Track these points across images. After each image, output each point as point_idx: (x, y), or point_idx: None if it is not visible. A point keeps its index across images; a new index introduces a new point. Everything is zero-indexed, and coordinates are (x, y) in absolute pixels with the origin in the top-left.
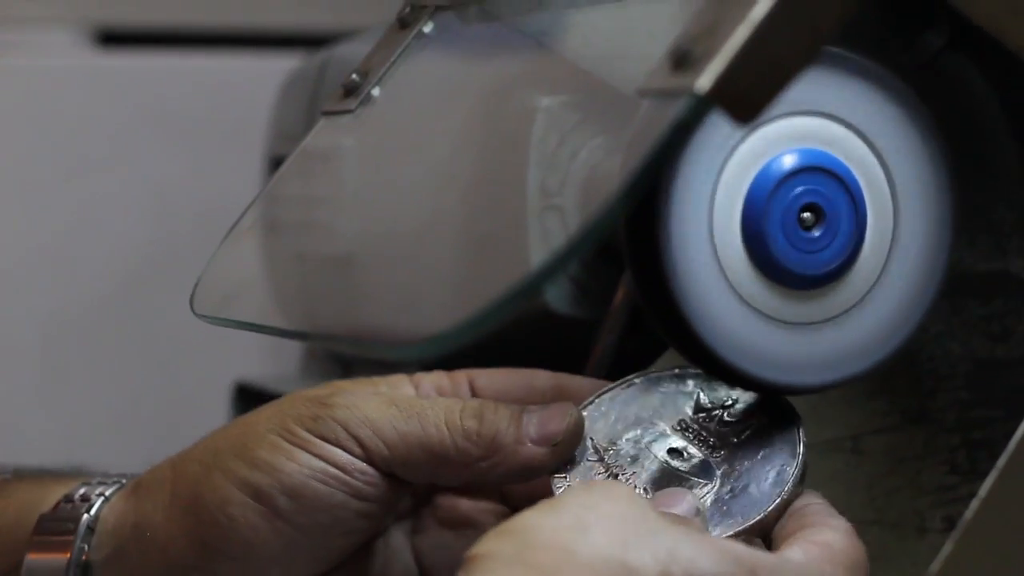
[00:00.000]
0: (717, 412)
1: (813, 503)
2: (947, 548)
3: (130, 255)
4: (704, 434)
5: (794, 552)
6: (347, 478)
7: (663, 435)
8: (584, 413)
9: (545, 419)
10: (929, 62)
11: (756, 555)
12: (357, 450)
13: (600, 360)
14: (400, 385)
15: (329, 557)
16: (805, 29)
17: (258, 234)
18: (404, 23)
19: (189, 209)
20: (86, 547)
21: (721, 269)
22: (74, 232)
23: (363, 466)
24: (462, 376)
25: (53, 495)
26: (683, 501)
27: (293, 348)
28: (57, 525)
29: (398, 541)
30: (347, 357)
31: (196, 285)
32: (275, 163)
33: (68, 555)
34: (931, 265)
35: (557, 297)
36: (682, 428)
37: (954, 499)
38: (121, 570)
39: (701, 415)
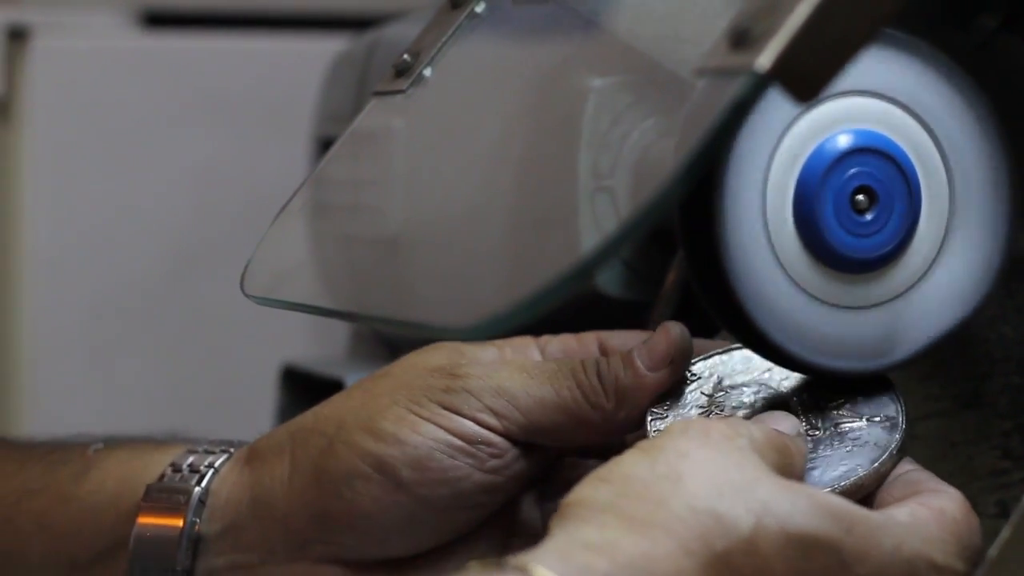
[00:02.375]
0: (839, 399)
1: (916, 470)
2: (1005, 533)
3: (178, 237)
4: (815, 414)
5: (900, 512)
6: (472, 450)
7: (772, 393)
8: (707, 362)
9: (652, 345)
10: (983, 43)
11: (856, 511)
12: (492, 421)
13: None
14: (525, 348)
15: (453, 529)
16: (865, 7)
17: (307, 216)
18: (456, 3)
19: (237, 191)
20: (198, 520)
21: (774, 251)
22: (122, 214)
23: (490, 436)
24: (591, 337)
25: (156, 464)
26: (785, 420)
27: (340, 331)
28: (167, 496)
29: (528, 509)
30: (395, 339)
31: (246, 266)
32: (323, 145)
33: (181, 524)
34: (987, 249)
35: (608, 279)
36: (801, 401)
37: (1007, 484)
38: (236, 542)
39: (824, 398)
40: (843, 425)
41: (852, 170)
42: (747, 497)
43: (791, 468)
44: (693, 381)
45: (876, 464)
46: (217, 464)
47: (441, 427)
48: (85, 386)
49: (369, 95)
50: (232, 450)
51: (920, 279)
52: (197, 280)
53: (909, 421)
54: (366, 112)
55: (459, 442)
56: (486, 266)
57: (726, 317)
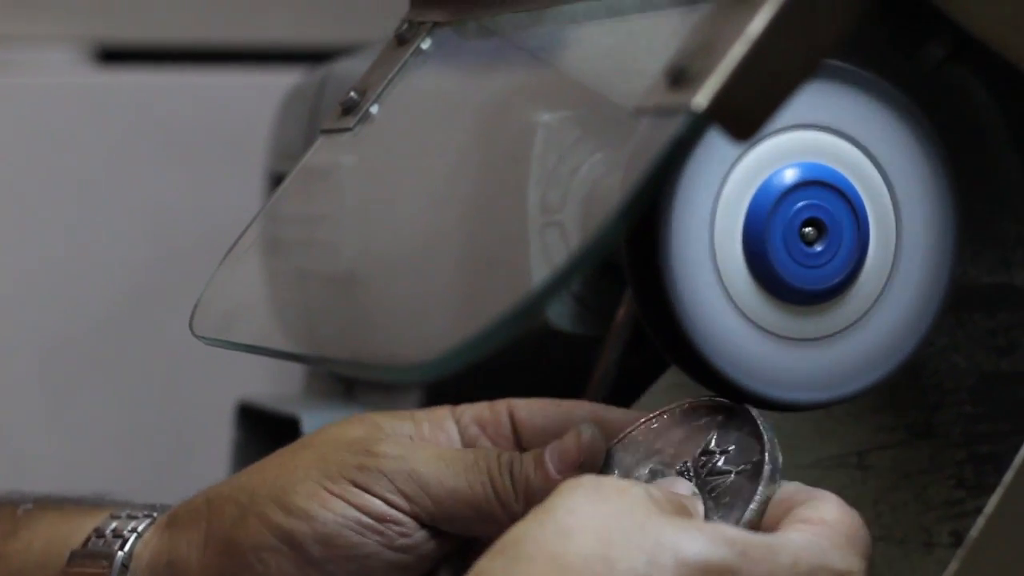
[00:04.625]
0: (714, 459)
1: (789, 485)
2: (954, 565)
3: (131, 273)
4: (697, 480)
5: (789, 532)
6: (382, 528)
7: (663, 475)
8: (627, 440)
9: (563, 448)
10: (931, 74)
11: (748, 535)
12: (402, 503)
13: (602, 377)
14: (443, 420)
15: None
16: (803, 44)
17: (258, 253)
18: (402, 40)
19: (190, 226)
20: None
21: (723, 285)
22: (74, 250)
23: (399, 516)
24: (503, 406)
25: (81, 528)
26: (680, 483)
27: (296, 368)
28: (90, 561)
29: None
30: (350, 377)
31: (196, 306)
32: (276, 180)
33: None
34: (935, 278)
35: (559, 314)
36: (683, 470)
37: (961, 513)
38: None
39: (702, 459)
40: (718, 487)
41: (800, 203)
42: (638, 538)
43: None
44: (613, 466)
45: (748, 511)
46: (140, 528)
47: (351, 504)
48: (41, 424)
49: (318, 132)
50: (155, 515)
51: (870, 310)
52: (152, 317)
53: (772, 454)
54: (315, 149)
55: (368, 520)
56: (437, 303)
57: (675, 352)
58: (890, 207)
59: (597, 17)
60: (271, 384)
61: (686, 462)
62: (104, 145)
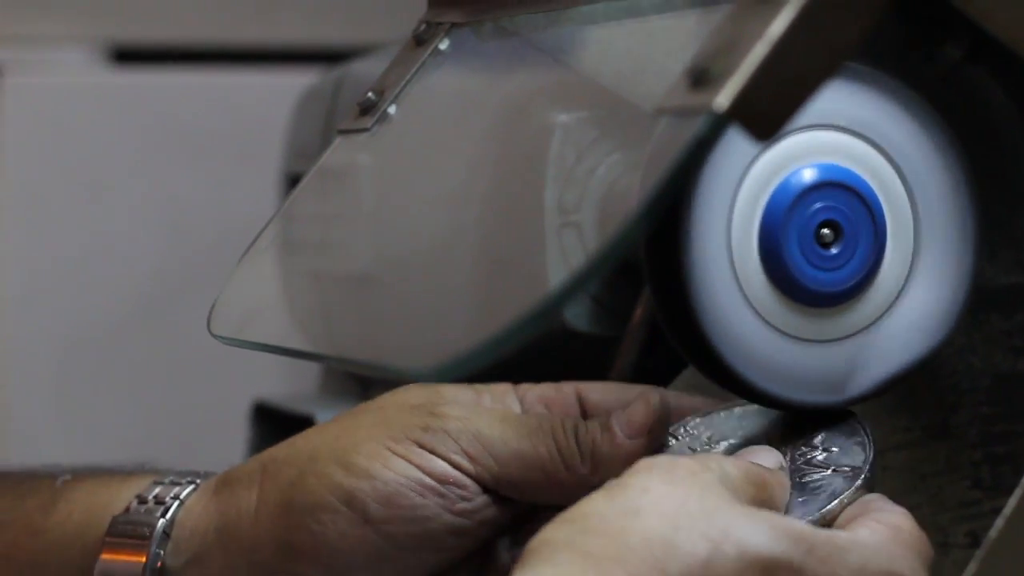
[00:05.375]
0: (820, 452)
1: (872, 495)
2: (972, 566)
3: (147, 273)
4: (791, 464)
5: (860, 531)
6: (443, 490)
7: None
8: (696, 420)
9: (631, 413)
10: (948, 75)
11: (817, 533)
12: (466, 464)
13: (619, 378)
14: (504, 396)
15: (420, 570)
16: (824, 45)
17: (275, 254)
18: (420, 40)
19: (205, 226)
20: (162, 552)
21: (739, 286)
22: (90, 251)
23: (461, 478)
24: (570, 388)
25: (122, 496)
26: (766, 454)
27: (312, 367)
28: (132, 528)
29: (500, 555)
30: (366, 376)
31: (213, 306)
32: (291, 180)
33: (144, 559)
34: (953, 280)
35: (576, 314)
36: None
37: (977, 514)
38: (201, 573)
39: (804, 448)
40: (812, 477)
41: (817, 204)
42: (704, 525)
43: (770, 501)
44: (685, 438)
45: (842, 496)
46: (183, 495)
47: (413, 464)
48: (56, 423)
49: (335, 133)
50: (199, 481)
51: (886, 311)
52: (168, 315)
53: (872, 466)
54: (332, 150)
55: (430, 481)
56: (454, 304)
57: (692, 352)
58: (907, 208)
59: (615, 18)
60: (286, 383)
61: (784, 447)
62: (119, 145)
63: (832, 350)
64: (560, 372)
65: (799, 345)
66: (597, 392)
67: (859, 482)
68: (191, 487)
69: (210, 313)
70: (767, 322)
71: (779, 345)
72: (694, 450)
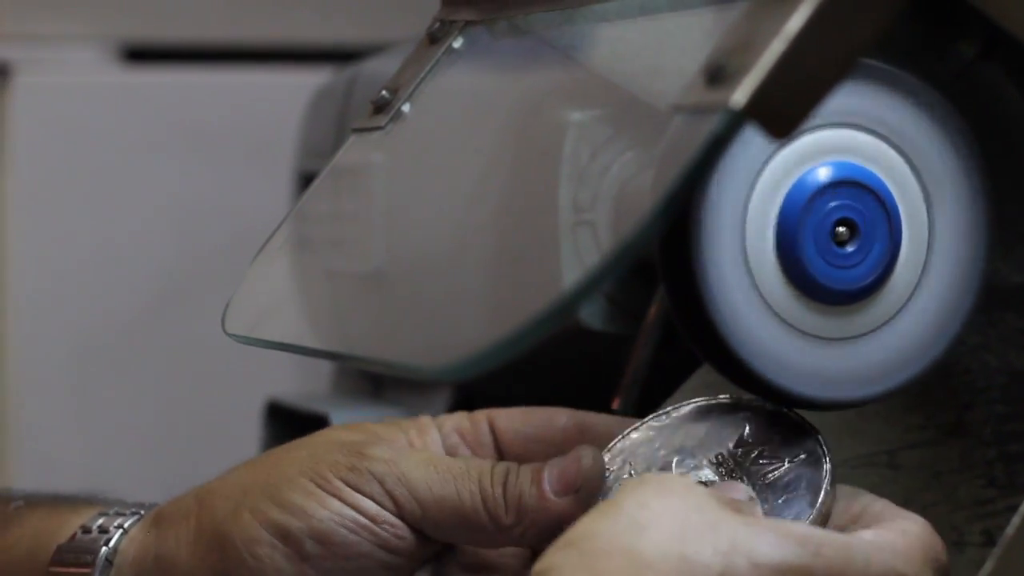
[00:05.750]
0: (756, 449)
1: (877, 502)
2: (988, 565)
3: (159, 272)
4: (738, 472)
5: (866, 532)
6: (376, 529)
7: (697, 468)
8: (633, 435)
9: (563, 468)
10: (962, 72)
11: (822, 534)
12: (391, 506)
13: (634, 376)
14: (426, 429)
15: None
16: (841, 42)
17: (289, 252)
18: (434, 38)
19: (218, 225)
20: None
21: (755, 284)
22: (102, 250)
23: (393, 519)
24: (482, 417)
25: (69, 525)
26: (736, 489)
27: (325, 366)
28: (75, 556)
29: None
30: (378, 375)
31: (227, 305)
32: (304, 179)
33: None
34: (967, 278)
35: (590, 313)
36: (718, 462)
37: (992, 513)
38: None
39: (739, 450)
40: (769, 475)
41: (833, 203)
42: (712, 538)
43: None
44: (609, 474)
45: (819, 504)
46: (127, 525)
47: (345, 503)
48: (68, 423)
49: (349, 131)
50: (143, 512)
51: (902, 309)
52: (180, 314)
53: (824, 444)
54: (346, 148)
55: (363, 519)
56: (468, 302)
57: (707, 350)
58: (923, 206)
59: (629, 15)
60: (299, 382)
61: (720, 453)
62: (131, 145)
63: (847, 348)
64: (574, 371)
65: (814, 343)
66: (505, 419)
67: (825, 467)
68: (135, 517)
69: (224, 312)
70: (782, 320)
71: (794, 343)
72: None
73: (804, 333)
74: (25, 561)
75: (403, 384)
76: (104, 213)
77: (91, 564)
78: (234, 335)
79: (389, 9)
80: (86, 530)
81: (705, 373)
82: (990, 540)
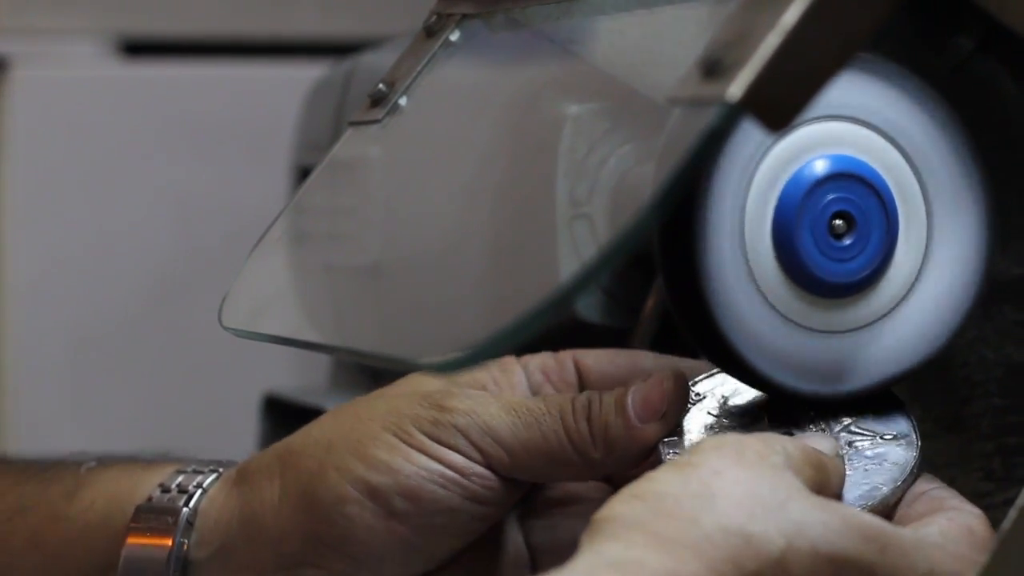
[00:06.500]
0: (850, 417)
1: (938, 487)
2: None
3: (156, 266)
4: (820, 421)
5: (931, 532)
6: (465, 482)
7: (780, 410)
8: (709, 381)
9: (647, 394)
10: (959, 65)
11: (889, 531)
12: (477, 457)
13: None
14: (511, 368)
15: (443, 555)
16: (836, 35)
17: (286, 246)
18: (430, 32)
19: (216, 219)
20: (186, 542)
21: (752, 277)
22: (100, 244)
23: (481, 470)
24: (567, 356)
25: (145, 485)
26: (823, 441)
27: (322, 360)
28: (155, 518)
29: (509, 526)
30: (376, 369)
31: (224, 298)
32: (302, 173)
33: (170, 545)
34: (965, 271)
35: (587, 306)
36: (809, 419)
37: (989, 506)
38: (226, 564)
39: (817, 410)
40: (856, 443)
41: (830, 195)
42: (779, 518)
43: (828, 486)
44: (697, 401)
45: (899, 483)
46: (205, 484)
47: (432, 457)
48: (66, 416)
49: (346, 124)
50: (221, 470)
51: (899, 303)
52: (178, 307)
53: (921, 437)
54: (343, 142)
55: (451, 473)
56: (465, 295)
57: (705, 343)
58: (920, 199)
59: (626, 8)
60: (297, 376)
61: (811, 413)
62: (129, 139)
63: (845, 341)
64: None
65: (812, 336)
66: (592, 358)
67: (917, 450)
68: (214, 476)
69: (221, 305)
70: (779, 312)
71: (791, 335)
72: (714, 415)
73: (801, 326)
74: (101, 524)
75: (400, 378)
76: (102, 206)
77: (172, 526)
78: (231, 328)
79: (386, 2)
80: (165, 489)
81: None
82: None
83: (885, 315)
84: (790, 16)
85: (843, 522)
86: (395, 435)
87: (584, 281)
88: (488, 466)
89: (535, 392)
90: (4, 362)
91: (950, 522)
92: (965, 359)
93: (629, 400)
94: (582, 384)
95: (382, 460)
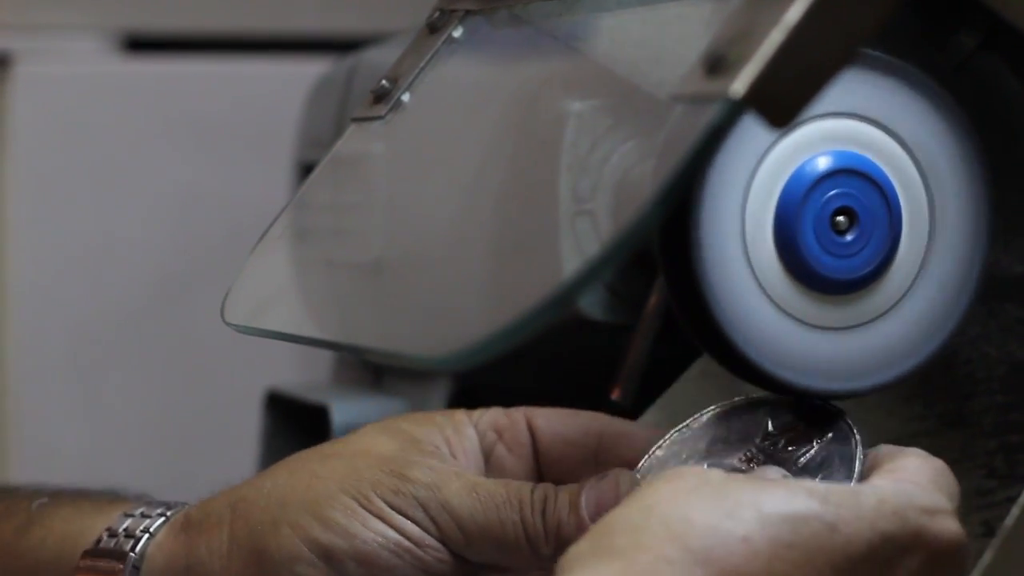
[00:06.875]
0: (784, 438)
1: (882, 447)
2: (988, 556)
3: (159, 263)
4: (770, 463)
5: (874, 479)
6: (419, 552)
7: (732, 468)
8: (658, 453)
9: (600, 496)
10: (962, 63)
11: (827, 485)
12: (434, 531)
13: (633, 366)
14: (462, 425)
15: None
16: (840, 32)
17: (289, 242)
18: (433, 28)
19: (218, 215)
20: None
21: (754, 274)
22: (102, 240)
23: (435, 543)
24: (520, 415)
25: (94, 526)
26: (769, 472)
27: (325, 356)
28: (102, 561)
29: None
30: (378, 365)
31: (227, 294)
32: (304, 169)
33: None
34: (967, 268)
35: (589, 303)
36: (748, 458)
37: (992, 503)
38: None
39: (767, 443)
40: (801, 459)
41: (832, 191)
42: (716, 498)
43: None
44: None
45: (855, 473)
46: (152, 528)
47: (391, 526)
48: (69, 413)
49: (348, 121)
50: (169, 514)
51: (901, 299)
52: (180, 304)
53: (856, 420)
54: (345, 138)
55: (407, 543)
56: (468, 292)
57: (706, 340)
58: (923, 196)
59: (629, 5)
60: (299, 372)
61: (749, 450)
62: (131, 134)
63: (847, 338)
64: (574, 360)
65: (813, 333)
66: (543, 418)
67: (856, 437)
68: (161, 520)
69: (224, 301)
70: (781, 309)
71: (793, 333)
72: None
73: (804, 322)
74: (51, 563)
75: (403, 374)
76: (104, 203)
77: (119, 572)
78: (234, 325)
79: None
80: (112, 533)
81: (705, 363)
82: (990, 531)
83: (887, 312)
84: (793, 13)
85: (783, 488)
86: (354, 499)
87: (587, 278)
88: (442, 541)
89: (487, 453)
90: (6, 358)
91: (887, 470)
92: (968, 356)
93: (583, 500)
94: (535, 444)
95: (339, 523)
